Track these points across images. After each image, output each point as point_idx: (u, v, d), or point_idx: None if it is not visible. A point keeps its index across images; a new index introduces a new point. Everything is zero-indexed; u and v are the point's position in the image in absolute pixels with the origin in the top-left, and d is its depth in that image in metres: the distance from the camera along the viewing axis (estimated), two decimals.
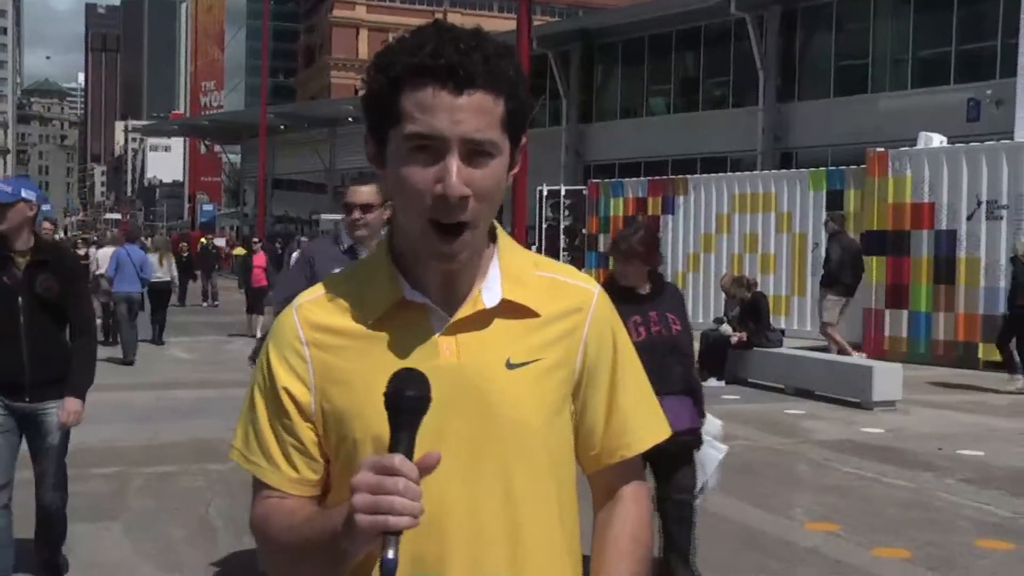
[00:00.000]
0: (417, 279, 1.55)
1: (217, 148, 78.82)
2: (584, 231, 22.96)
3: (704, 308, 19.32)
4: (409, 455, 1.34)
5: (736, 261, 18.92)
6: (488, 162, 1.47)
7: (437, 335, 1.53)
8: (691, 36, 32.80)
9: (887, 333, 16.09)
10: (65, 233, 49.48)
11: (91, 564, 6.02)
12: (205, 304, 28.69)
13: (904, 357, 14.89)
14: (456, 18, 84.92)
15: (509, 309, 1.55)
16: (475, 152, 1.45)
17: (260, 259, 20.61)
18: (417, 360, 1.46)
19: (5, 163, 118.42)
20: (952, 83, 25.47)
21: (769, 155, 29.23)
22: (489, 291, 1.55)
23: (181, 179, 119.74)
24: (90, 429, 9.83)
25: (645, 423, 1.65)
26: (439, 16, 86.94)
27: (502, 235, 1.62)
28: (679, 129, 32.09)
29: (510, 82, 1.48)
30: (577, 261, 21.74)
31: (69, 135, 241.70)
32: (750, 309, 13.73)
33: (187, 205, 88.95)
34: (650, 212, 21.07)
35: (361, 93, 1.54)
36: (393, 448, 1.34)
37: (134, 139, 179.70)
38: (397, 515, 1.30)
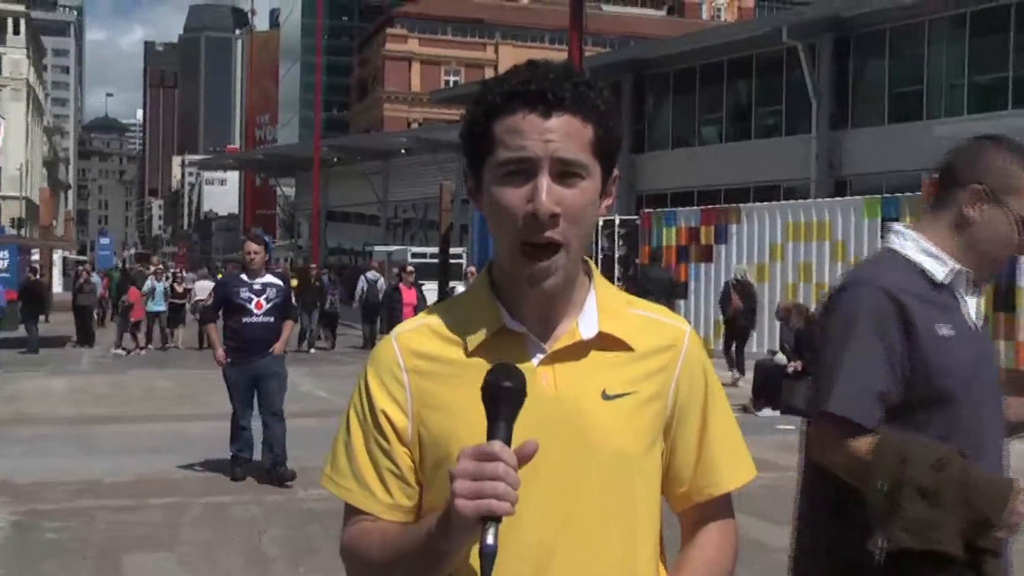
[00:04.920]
0: (515, 309, 1.58)
1: (272, 181, 79.71)
2: (637, 261, 22.89)
3: (758, 338, 19.15)
4: (507, 444, 1.36)
5: (790, 290, 18.76)
6: (579, 183, 1.52)
7: (535, 365, 1.56)
8: (743, 65, 32.72)
9: None
10: (124, 264, 50.15)
11: None
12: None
13: None
14: (508, 50, 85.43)
15: (605, 342, 1.59)
16: (565, 173, 1.50)
17: (411, 295, 16.18)
18: None
19: (66, 198, 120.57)
20: (1010, 108, 25.16)
21: (823, 183, 29.01)
22: (586, 323, 1.59)
23: (236, 212, 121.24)
24: (147, 459, 9.97)
25: (734, 463, 1.68)
26: (501, 47, 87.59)
27: (597, 275, 1.66)
28: (731, 158, 31.97)
29: (599, 111, 1.53)
30: (630, 292, 21.61)
31: (128, 170, 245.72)
32: (805, 338, 13.59)
33: (242, 238, 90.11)
34: (703, 241, 20.98)
35: (460, 131, 1.61)
36: (491, 437, 1.37)
37: (190, 173, 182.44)
38: (499, 500, 1.33)
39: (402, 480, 1.59)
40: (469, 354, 1.57)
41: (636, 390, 1.58)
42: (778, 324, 15.09)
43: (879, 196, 18.85)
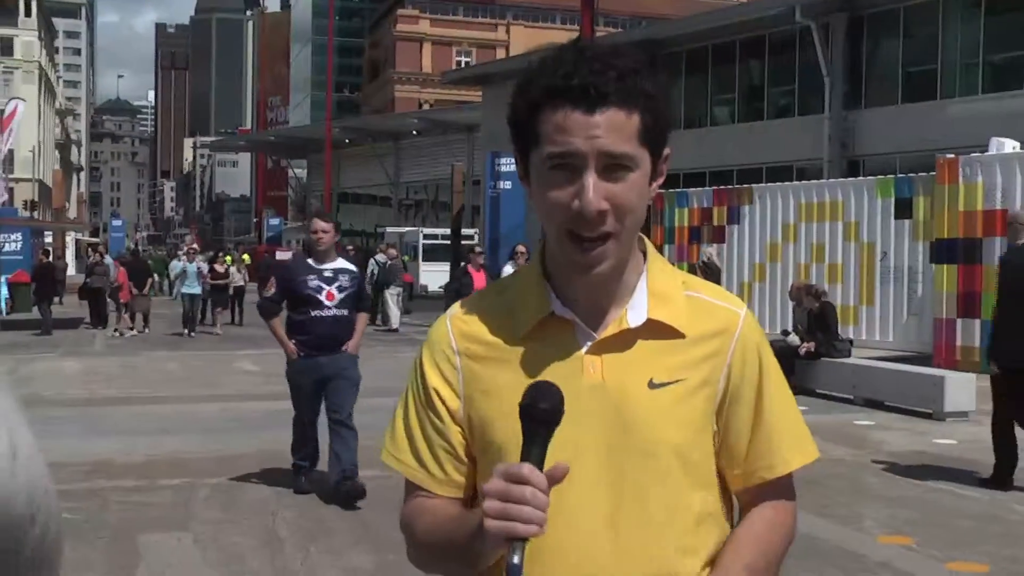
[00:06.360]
0: (566, 295, 1.59)
1: (283, 163, 79.79)
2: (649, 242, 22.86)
3: (771, 318, 19.10)
4: (539, 465, 1.38)
5: (803, 271, 18.70)
6: (626, 176, 1.51)
7: (583, 353, 1.57)
8: (755, 45, 32.54)
9: (959, 343, 15.79)
10: (136, 246, 50.33)
11: (160, 574, 6.08)
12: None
13: (977, 367, 14.59)
14: (519, 30, 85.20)
15: (654, 329, 1.58)
16: (612, 166, 1.49)
17: (480, 279, 15.86)
18: (562, 376, 1.50)
19: (79, 179, 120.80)
20: None
21: (836, 163, 28.88)
22: (635, 310, 1.59)
23: (248, 194, 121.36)
24: (158, 440, 10.01)
25: (791, 445, 1.66)
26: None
27: (652, 254, 1.65)
28: (744, 138, 31.84)
29: (645, 96, 1.52)
30: None
31: (140, 152, 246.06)
32: (818, 319, 13.56)
33: (254, 220, 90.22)
34: (715, 222, 20.93)
35: (507, 115, 1.60)
36: (524, 458, 1.39)
37: (202, 155, 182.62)
38: (525, 523, 1.35)
39: (455, 457, 1.63)
40: (519, 340, 1.59)
41: (684, 378, 1.57)
42: (791, 304, 15.06)
43: (892, 176, 18.75)
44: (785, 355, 13.39)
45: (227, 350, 19.52)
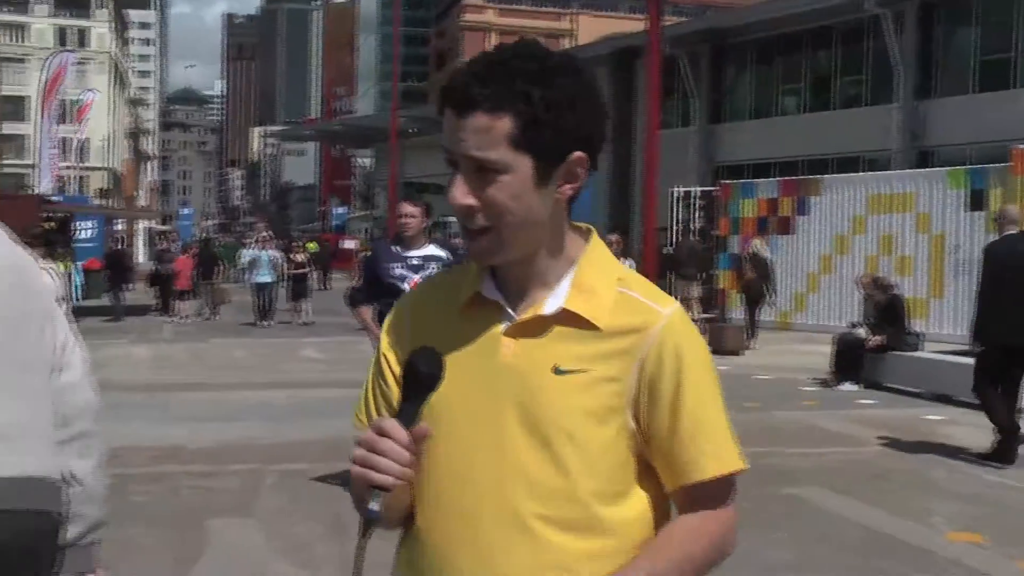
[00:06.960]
0: (501, 279, 1.67)
1: (349, 152, 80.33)
2: (715, 233, 22.64)
3: (839, 311, 18.89)
4: (410, 423, 1.51)
5: (872, 263, 18.45)
6: (497, 178, 1.56)
7: (501, 333, 1.64)
8: (824, 34, 32.13)
9: None
10: (206, 234, 51.01)
11: (227, 558, 6.17)
12: None
13: None
14: (585, 20, 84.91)
15: (569, 318, 1.62)
16: (481, 169, 1.56)
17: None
18: (480, 353, 1.62)
19: (150, 168, 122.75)
20: None
21: (905, 154, 28.44)
22: (554, 299, 1.64)
23: (314, 182, 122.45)
24: (226, 426, 10.15)
25: (711, 452, 1.62)
26: (568, 18, 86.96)
27: (593, 247, 1.69)
28: (811, 129, 31.47)
29: (524, 101, 1.53)
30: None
31: (208, 141, 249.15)
32: (887, 311, 13.37)
33: (319, 208, 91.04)
34: (782, 213, 20.72)
35: None
36: (398, 415, 1.53)
37: (270, 144, 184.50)
38: (380, 473, 1.49)
39: None
40: (455, 315, 1.68)
41: (589, 369, 1.59)
42: (860, 296, 14.88)
43: (965, 167, 18.42)
44: (852, 347, 13.24)
45: (292, 338, 19.74)
